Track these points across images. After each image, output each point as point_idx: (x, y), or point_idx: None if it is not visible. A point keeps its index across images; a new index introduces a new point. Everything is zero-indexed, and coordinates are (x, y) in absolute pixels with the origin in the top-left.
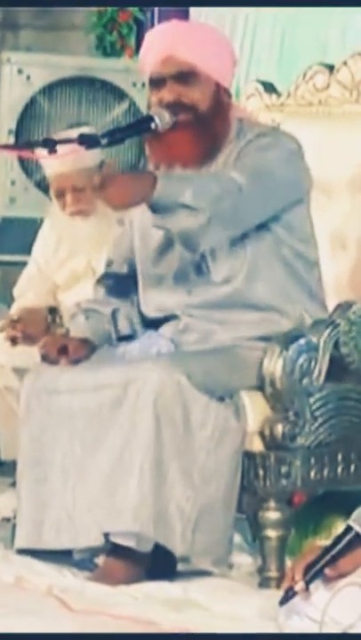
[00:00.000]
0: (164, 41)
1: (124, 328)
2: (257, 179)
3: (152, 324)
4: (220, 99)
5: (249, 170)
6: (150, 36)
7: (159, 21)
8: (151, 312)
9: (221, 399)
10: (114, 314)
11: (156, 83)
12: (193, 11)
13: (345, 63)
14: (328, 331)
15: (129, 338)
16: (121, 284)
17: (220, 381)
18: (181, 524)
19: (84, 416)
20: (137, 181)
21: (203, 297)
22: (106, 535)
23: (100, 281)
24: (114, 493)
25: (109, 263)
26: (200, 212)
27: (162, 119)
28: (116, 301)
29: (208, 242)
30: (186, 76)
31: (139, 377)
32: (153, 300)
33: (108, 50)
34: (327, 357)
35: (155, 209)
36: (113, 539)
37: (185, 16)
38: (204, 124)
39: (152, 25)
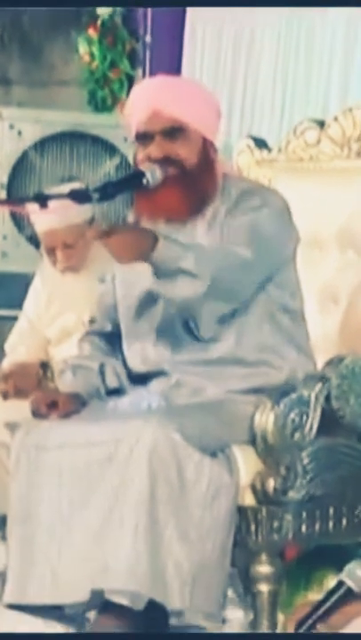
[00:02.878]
0: (150, 97)
1: (113, 382)
2: (257, 248)
3: (139, 378)
4: (208, 154)
5: (247, 239)
6: (136, 92)
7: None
8: (137, 367)
9: (214, 454)
10: (101, 368)
11: (143, 138)
12: (185, 69)
13: (336, 119)
14: (319, 385)
15: (117, 392)
16: (105, 340)
17: (213, 436)
18: (179, 582)
19: (71, 473)
20: (138, 237)
21: (191, 355)
22: (92, 592)
23: (84, 338)
24: (104, 551)
25: (92, 321)
26: (199, 280)
27: (153, 175)
28: (102, 357)
29: (206, 312)
30: (173, 131)
31: (131, 434)
32: (137, 355)
33: (99, 105)
34: (319, 412)
35: (155, 271)
36: (107, 596)
37: (177, 71)
38: (191, 179)
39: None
